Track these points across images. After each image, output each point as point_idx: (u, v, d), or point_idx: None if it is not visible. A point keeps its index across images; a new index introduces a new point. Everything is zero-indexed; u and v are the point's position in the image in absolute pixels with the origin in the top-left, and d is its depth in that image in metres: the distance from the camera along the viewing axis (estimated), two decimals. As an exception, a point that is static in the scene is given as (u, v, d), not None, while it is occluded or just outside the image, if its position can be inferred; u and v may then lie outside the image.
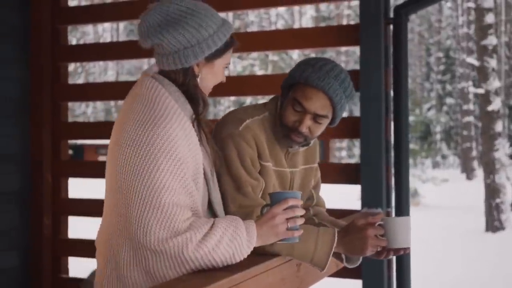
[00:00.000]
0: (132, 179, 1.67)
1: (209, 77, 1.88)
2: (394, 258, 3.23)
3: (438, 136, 40.61)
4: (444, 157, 42.35)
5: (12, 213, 3.89)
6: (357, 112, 31.10)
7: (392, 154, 3.27)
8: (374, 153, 3.20)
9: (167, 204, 1.64)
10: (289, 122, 2.02)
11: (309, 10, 42.51)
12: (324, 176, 3.35)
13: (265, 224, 1.72)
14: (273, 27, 37.89)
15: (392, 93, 3.29)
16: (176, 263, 1.65)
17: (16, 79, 3.92)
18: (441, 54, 46.71)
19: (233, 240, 1.67)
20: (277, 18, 43.13)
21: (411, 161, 20.08)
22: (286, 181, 2.13)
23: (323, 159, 37.14)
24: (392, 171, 3.26)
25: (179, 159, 1.69)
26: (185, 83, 1.82)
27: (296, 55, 40.02)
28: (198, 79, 1.84)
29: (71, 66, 43.74)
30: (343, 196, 10.62)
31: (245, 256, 1.70)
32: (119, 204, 1.72)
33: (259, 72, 34.44)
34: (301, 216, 1.75)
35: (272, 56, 35.70)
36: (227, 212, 1.93)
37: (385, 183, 3.23)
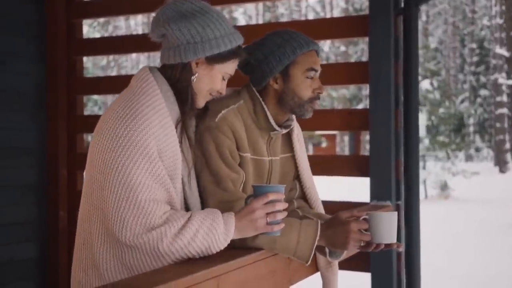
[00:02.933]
0: (107, 173, 1.67)
1: (205, 79, 1.86)
2: (403, 251, 3.20)
3: (471, 129, 40.05)
4: (478, 150, 41.75)
5: (30, 206, 3.96)
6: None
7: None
8: (383, 146, 3.17)
9: (143, 201, 1.64)
10: (309, 93, 2.05)
11: (340, 2, 42.23)
12: (333, 169, 3.36)
13: (244, 217, 1.71)
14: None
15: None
16: (152, 257, 1.65)
17: (31, 74, 3.97)
18: (474, 45, 46.00)
19: (209, 233, 1.66)
20: (307, 10, 42.94)
21: (442, 154, 19.87)
22: (264, 170, 2.08)
23: (354, 151, 36.84)
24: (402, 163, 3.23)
25: (155, 157, 1.69)
26: (180, 81, 1.82)
27: (327, 47, 39.80)
28: (194, 78, 1.84)
29: (104, 60, 44.20)
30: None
31: (221, 248, 1.70)
32: (93, 194, 1.73)
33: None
34: (284, 210, 1.73)
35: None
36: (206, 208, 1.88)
37: (395, 176, 3.20)
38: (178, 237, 1.63)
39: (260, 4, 42.60)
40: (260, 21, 40.49)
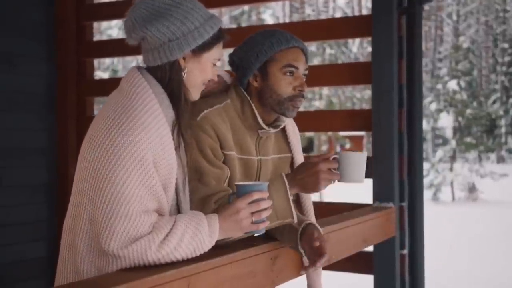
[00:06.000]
0: (100, 182, 1.60)
1: (196, 72, 1.81)
2: (407, 253, 3.16)
3: (503, 130, 39.43)
4: (510, 151, 41.07)
5: (40, 205, 4.01)
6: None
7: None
8: (386, 146, 3.13)
9: (135, 214, 1.59)
10: (289, 91, 2.01)
11: (367, 2, 41.97)
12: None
13: (229, 218, 1.68)
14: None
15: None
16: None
17: (42, 75, 4.02)
18: (506, 45, 45.28)
19: (194, 237, 1.63)
20: (334, 11, 42.77)
21: (472, 155, 19.56)
22: (252, 169, 2.06)
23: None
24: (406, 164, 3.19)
25: (150, 168, 1.63)
26: (171, 81, 1.77)
27: (355, 48, 39.57)
28: (184, 74, 1.79)
29: (133, 62, 44.60)
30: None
31: (206, 250, 1.66)
32: (82, 203, 1.67)
33: (317, 65, 34.27)
34: (268, 208, 1.71)
35: (330, 49, 35.35)
36: (191, 205, 1.88)
37: (398, 177, 3.16)
38: (164, 244, 1.59)
39: (287, 5, 42.57)
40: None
